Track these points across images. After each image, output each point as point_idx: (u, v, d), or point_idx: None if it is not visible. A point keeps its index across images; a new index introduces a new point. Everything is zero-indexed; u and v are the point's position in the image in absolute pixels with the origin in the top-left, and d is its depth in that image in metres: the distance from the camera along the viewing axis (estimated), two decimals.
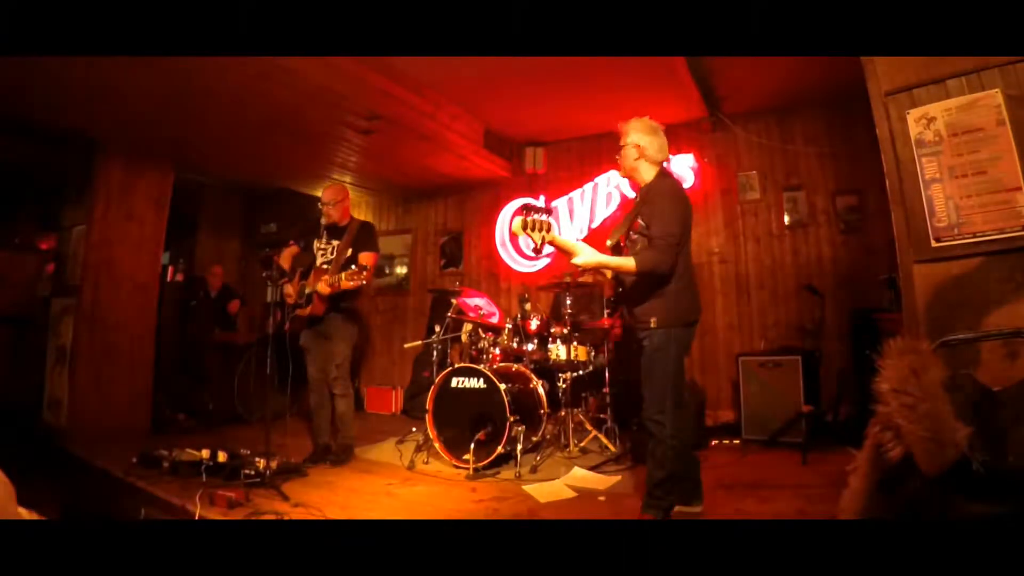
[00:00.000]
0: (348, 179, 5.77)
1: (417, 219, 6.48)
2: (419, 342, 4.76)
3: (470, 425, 3.33)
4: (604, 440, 3.72)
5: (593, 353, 3.96)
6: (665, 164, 2.46)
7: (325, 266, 3.44)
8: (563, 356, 3.78)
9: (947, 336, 1.80)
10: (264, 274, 3.27)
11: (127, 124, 4.20)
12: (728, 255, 4.82)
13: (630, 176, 2.49)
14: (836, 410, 3.78)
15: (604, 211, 5.16)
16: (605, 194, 5.17)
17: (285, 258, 3.65)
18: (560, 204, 5.33)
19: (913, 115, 2.25)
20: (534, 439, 3.53)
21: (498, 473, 3.27)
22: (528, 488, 2.96)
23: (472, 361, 3.75)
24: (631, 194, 4.92)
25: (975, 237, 2.09)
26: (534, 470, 3.30)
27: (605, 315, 4.46)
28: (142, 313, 4.73)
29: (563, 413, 3.84)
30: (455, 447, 3.39)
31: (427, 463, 3.51)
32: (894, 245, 2.32)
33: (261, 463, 2.92)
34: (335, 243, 3.52)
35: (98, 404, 4.32)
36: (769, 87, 4.38)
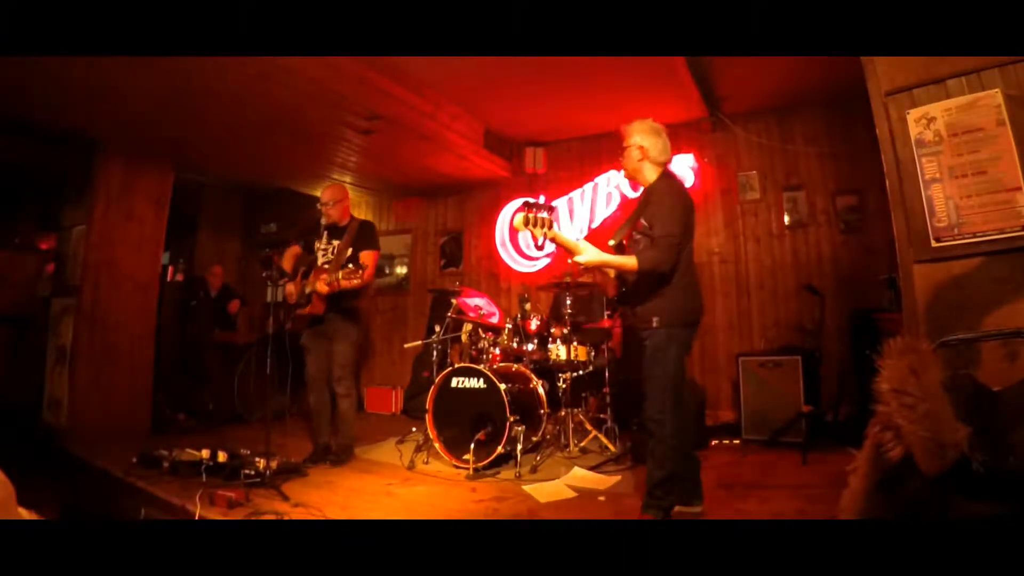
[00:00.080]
0: (348, 179, 5.77)
1: (417, 219, 6.48)
2: (419, 342, 4.75)
3: (470, 425, 3.33)
4: (604, 440, 3.72)
5: (593, 353, 3.96)
6: (668, 165, 2.47)
7: (325, 266, 3.44)
8: (563, 356, 3.78)
9: (947, 336, 1.79)
10: (264, 274, 3.27)
11: (127, 124, 4.20)
12: (728, 255, 4.82)
13: (633, 177, 2.50)
14: (836, 410, 3.77)
15: (604, 211, 5.16)
16: (605, 194, 5.16)
17: (287, 258, 3.65)
18: (560, 204, 5.32)
19: (913, 115, 2.25)
20: (534, 439, 3.53)
21: (498, 473, 3.27)
22: (528, 488, 2.96)
23: (472, 361, 3.75)
24: (631, 194, 4.93)
25: (975, 237, 2.10)
26: (534, 470, 3.30)
27: (605, 316, 4.46)
28: (142, 313, 4.73)
29: (563, 413, 3.84)
30: (455, 447, 3.39)
31: (427, 463, 3.51)
32: (894, 245, 2.32)
33: (261, 463, 2.92)
34: (335, 243, 3.52)
35: (98, 404, 4.32)
36: (769, 87, 4.38)
